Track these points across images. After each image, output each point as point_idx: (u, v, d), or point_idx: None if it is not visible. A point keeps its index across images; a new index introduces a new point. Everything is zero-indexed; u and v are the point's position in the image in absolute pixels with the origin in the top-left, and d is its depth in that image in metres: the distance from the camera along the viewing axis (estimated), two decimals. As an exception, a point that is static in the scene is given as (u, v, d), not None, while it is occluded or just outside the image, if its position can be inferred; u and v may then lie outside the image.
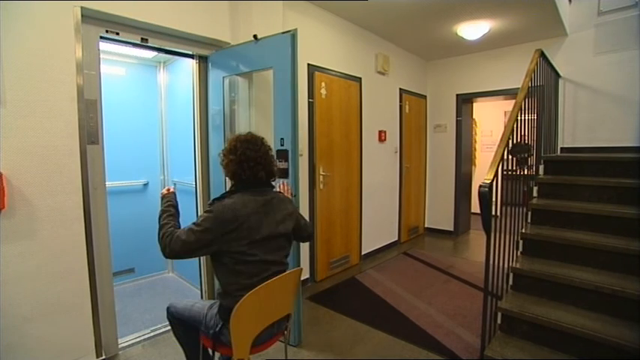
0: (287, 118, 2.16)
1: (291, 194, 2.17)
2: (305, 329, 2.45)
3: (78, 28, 1.89)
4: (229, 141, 1.54)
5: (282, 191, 1.90)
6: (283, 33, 2.16)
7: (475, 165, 6.41)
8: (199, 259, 2.75)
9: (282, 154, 2.21)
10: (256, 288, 1.33)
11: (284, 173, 2.22)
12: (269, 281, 1.37)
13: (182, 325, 1.60)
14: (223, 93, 2.56)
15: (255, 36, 2.29)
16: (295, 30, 2.13)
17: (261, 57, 2.32)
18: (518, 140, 2.46)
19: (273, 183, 1.63)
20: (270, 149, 1.57)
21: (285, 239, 1.56)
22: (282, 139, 2.21)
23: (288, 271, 1.50)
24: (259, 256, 1.42)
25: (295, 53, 2.13)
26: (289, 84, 2.14)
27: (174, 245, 1.35)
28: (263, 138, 1.57)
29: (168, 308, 1.64)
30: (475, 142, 6.35)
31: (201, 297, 2.83)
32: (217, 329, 1.42)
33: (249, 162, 1.46)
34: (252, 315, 1.36)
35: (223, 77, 2.55)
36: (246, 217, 1.39)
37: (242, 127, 2.70)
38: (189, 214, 2.89)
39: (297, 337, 2.27)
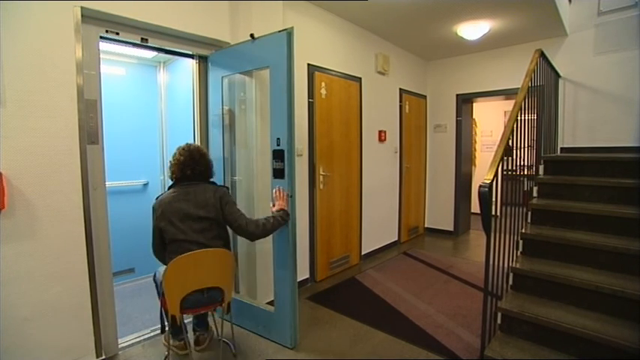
0: (283, 117, 2.14)
1: (288, 196, 2.17)
2: (303, 330, 2.46)
3: (78, 28, 1.89)
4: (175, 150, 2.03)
5: (277, 196, 2.19)
6: (280, 31, 2.14)
7: (475, 165, 6.41)
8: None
9: (279, 154, 2.19)
10: (176, 258, 1.71)
11: (280, 174, 2.20)
12: (189, 253, 1.75)
13: (156, 286, 2.11)
14: (222, 93, 2.55)
15: (252, 35, 2.28)
16: (291, 28, 2.10)
17: (258, 56, 2.30)
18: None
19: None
20: (204, 155, 2.03)
21: (211, 223, 1.92)
22: (278, 138, 2.19)
23: (211, 249, 1.83)
24: (182, 235, 1.84)
25: (291, 52, 2.10)
26: (285, 83, 2.11)
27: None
28: (199, 146, 2.06)
29: (154, 273, 2.14)
30: (475, 142, 6.35)
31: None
32: (162, 291, 1.81)
33: (179, 165, 1.95)
34: (176, 280, 1.74)
35: (222, 77, 2.54)
36: (167, 204, 1.88)
37: (242, 127, 2.70)
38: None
39: (293, 339, 2.25)
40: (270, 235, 2.21)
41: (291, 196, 2.17)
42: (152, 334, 2.39)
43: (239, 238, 2.70)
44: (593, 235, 2.28)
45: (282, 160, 2.17)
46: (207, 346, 2.24)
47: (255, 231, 1.98)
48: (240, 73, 2.54)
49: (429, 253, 4.26)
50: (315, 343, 2.31)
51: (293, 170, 2.17)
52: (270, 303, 2.43)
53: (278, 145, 2.19)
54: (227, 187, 2.11)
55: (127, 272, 3.34)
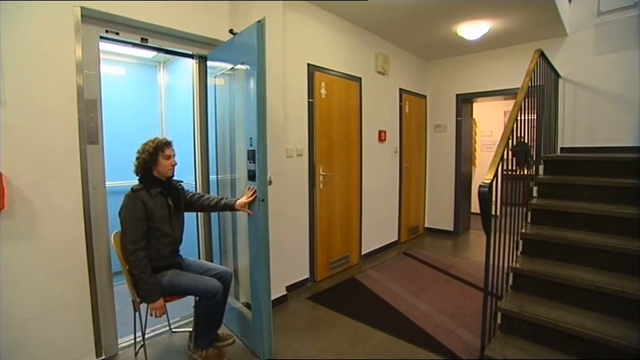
0: (253, 115, 2.00)
1: (260, 200, 2.00)
2: (303, 330, 2.45)
3: (78, 28, 1.89)
4: None
5: (247, 194, 2.10)
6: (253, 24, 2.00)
7: (475, 165, 6.41)
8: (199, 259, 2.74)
9: (252, 155, 2.07)
10: None
11: (253, 176, 2.08)
12: None
13: None
14: (215, 92, 2.53)
15: (231, 30, 2.21)
16: (263, 19, 1.95)
17: (238, 52, 2.18)
18: (520, 140, 2.47)
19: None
20: (140, 151, 2.01)
21: None
22: (250, 138, 2.07)
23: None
24: None
25: (262, 44, 1.95)
26: (255, 78, 1.97)
27: None
28: (145, 143, 2.04)
29: None
30: (475, 142, 6.35)
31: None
32: None
33: None
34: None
35: (215, 76, 2.50)
36: None
37: (238, 126, 2.69)
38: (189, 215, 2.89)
39: (267, 350, 2.06)
40: (244, 239, 2.23)
41: (262, 200, 2.01)
42: (152, 334, 2.39)
43: (239, 240, 2.69)
44: (593, 235, 2.28)
45: (255, 161, 2.04)
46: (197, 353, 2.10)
47: (129, 258, 1.87)
48: (227, 71, 2.45)
49: (429, 253, 4.26)
50: (294, 353, 2.18)
51: (264, 172, 2.01)
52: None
53: (250, 145, 2.06)
54: (133, 192, 1.93)
55: (127, 272, 3.33)
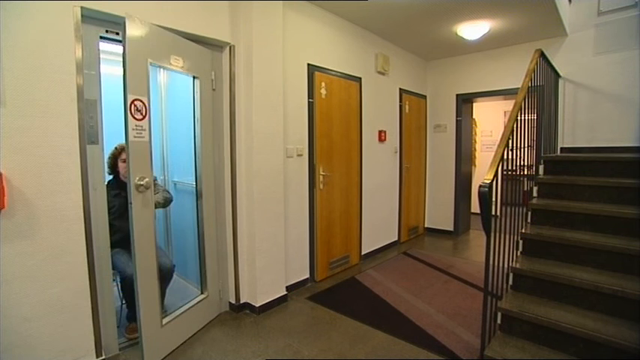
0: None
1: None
2: (303, 331, 2.44)
3: (78, 28, 1.88)
4: None
5: None
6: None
7: (475, 165, 6.41)
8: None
9: None
10: None
11: None
12: None
13: None
14: (194, 92, 2.54)
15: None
16: (128, 16, 1.90)
17: None
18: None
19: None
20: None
21: None
22: None
23: None
24: None
25: (125, 41, 1.92)
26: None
27: None
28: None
29: None
30: (475, 142, 6.35)
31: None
32: None
33: None
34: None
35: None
36: None
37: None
38: (189, 214, 2.90)
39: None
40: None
41: (130, 203, 1.92)
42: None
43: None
44: (593, 235, 2.29)
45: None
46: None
47: None
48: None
49: (429, 253, 4.26)
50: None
51: (131, 171, 1.91)
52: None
53: None
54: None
55: (127, 272, 3.33)
